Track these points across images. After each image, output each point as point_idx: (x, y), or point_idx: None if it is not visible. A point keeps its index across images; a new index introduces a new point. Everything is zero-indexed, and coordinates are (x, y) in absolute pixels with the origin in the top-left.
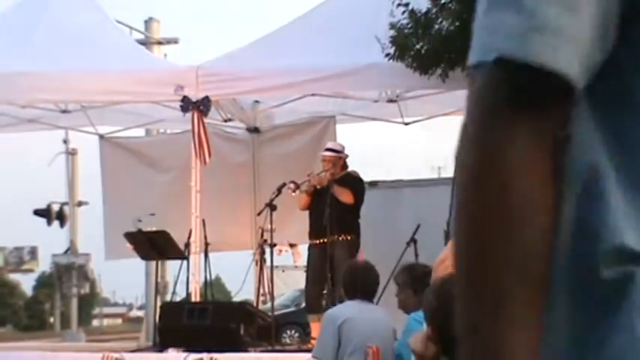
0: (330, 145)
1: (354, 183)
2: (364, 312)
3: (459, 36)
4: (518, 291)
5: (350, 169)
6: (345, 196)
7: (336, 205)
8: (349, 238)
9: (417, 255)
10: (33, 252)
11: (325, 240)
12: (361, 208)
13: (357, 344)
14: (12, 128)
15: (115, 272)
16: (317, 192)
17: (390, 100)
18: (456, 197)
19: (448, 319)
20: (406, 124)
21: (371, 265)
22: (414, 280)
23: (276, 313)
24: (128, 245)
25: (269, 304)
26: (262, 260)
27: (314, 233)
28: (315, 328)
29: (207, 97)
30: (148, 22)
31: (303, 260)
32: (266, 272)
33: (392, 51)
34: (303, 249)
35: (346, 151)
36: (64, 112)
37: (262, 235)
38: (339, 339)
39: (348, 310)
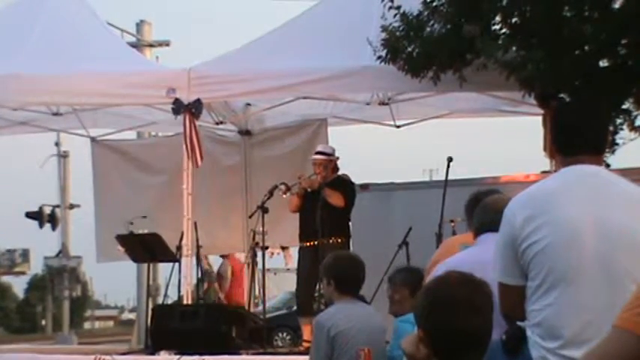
0: (320, 148)
1: (345, 186)
2: (357, 317)
3: (450, 39)
4: None
5: (341, 172)
6: (336, 199)
7: (327, 208)
8: (340, 240)
9: (408, 258)
10: (25, 254)
11: (316, 242)
12: (352, 210)
13: (352, 354)
14: (3, 131)
15: (107, 275)
16: (308, 194)
17: (382, 103)
18: None
19: (439, 321)
20: (398, 126)
21: (357, 256)
22: (413, 280)
23: (267, 315)
24: (120, 248)
25: (261, 307)
26: (254, 263)
27: (304, 235)
28: (306, 331)
29: (198, 99)
30: (139, 25)
31: (294, 263)
32: (258, 275)
33: (384, 54)
34: (294, 251)
35: (337, 154)
36: (55, 114)
37: (254, 238)
38: (333, 348)
39: (341, 318)
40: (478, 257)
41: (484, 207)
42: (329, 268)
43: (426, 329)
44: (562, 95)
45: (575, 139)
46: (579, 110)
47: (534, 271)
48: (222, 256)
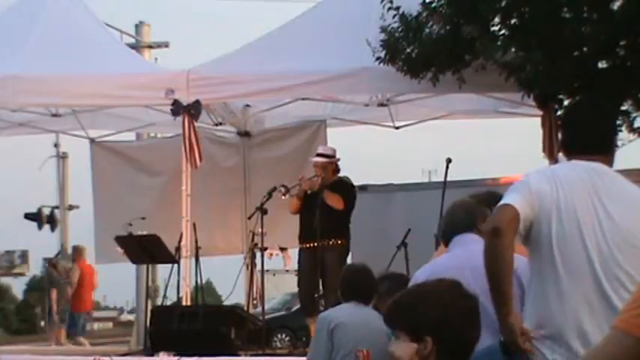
0: (320, 150)
1: (345, 189)
2: (358, 315)
3: (449, 40)
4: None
5: (341, 173)
6: (336, 202)
7: (327, 210)
8: (339, 242)
9: (407, 259)
10: (24, 256)
11: (315, 244)
12: (352, 212)
13: (349, 348)
14: (2, 132)
15: (106, 276)
16: (307, 196)
17: (381, 104)
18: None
19: (456, 330)
20: (397, 127)
21: (369, 268)
22: (398, 287)
23: (266, 316)
24: (119, 249)
25: (260, 308)
26: (253, 264)
27: (304, 237)
28: (313, 330)
29: (197, 100)
30: (138, 26)
31: (293, 264)
32: (257, 276)
33: (382, 55)
34: (293, 252)
35: (337, 155)
36: (54, 115)
37: (253, 239)
38: (332, 342)
39: (342, 313)
40: (453, 262)
41: (450, 212)
42: (339, 280)
43: (438, 338)
44: (561, 96)
45: (586, 139)
46: (590, 110)
47: (537, 251)
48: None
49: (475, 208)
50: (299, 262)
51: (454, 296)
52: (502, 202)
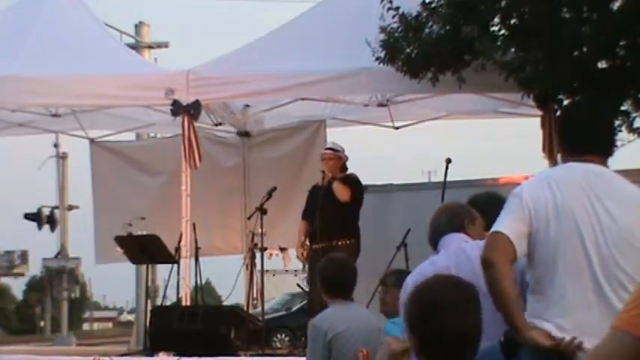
0: (330, 145)
1: (355, 183)
2: (352, 319)
3: (449, 40)
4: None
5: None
6: (343, 193)
7: (330, 210)
8: (349, 242)
9: (407, 259)
10: (23, 256)
11: (321, 245)
12: (359, 210)
13: (350, 356)
14: (2, 132)
15: (106, 276)
16: (314, 197)
17: (381, 104)
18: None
19: (429, 327)
20: (396, 128)
21: (351, 260)
22: (404, 282)
23: (266, 317)
24: (118, 249)
25: (259, 308)
26: (253, 264)
27: (312, 238)
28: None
29: (197, 101)
30: (138, 26)
31: (293, 264)
32: (256, 276)
33: (382, 55)
34: (292, 253)
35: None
36: (54, 115)
37: (253, 239)
38: (330, 351)
39: (337, 320)
40: (439, 264)
41: (434, 217)
42: (319, 272)
43: (418, 336)
44: (561, 96)
45: (584, 139)
46: (588, 110)
47: (537, 258)
48: None
49: (461, 210)
50: (310, 263)
51: (432, 292)
52: (493, 228)
